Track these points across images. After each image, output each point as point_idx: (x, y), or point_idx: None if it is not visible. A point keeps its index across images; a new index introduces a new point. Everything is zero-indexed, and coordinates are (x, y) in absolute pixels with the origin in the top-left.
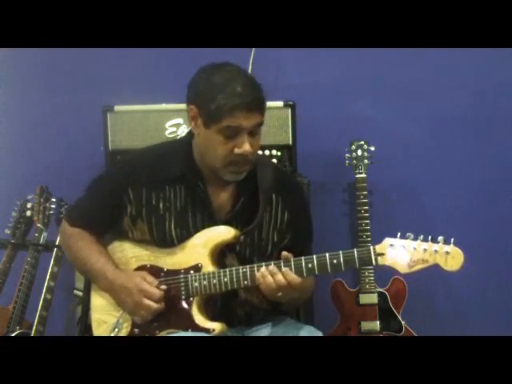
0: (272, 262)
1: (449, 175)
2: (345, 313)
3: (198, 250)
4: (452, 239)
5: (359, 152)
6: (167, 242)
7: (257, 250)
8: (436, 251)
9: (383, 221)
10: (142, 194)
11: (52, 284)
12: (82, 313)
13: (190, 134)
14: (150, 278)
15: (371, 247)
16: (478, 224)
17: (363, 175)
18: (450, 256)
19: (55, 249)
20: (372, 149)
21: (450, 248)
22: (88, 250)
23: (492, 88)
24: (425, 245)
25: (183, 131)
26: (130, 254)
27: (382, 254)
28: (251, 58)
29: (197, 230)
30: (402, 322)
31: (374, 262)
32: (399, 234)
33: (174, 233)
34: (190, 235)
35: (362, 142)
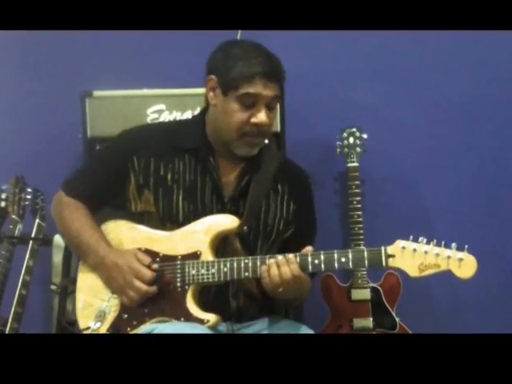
0: (276, 256)
1: (446, 164)
2: (336, 309)
3: (199, 236)
4: (466, 246)
5: (351, 140)
6: (172, 214)
7: (261, 234)
8: (449, 257)
9: (376, 212)
10: (150, 163)
11: (27, 279)
12: (60, 305)
13: (202, 113)
14: (141, 255)
15: (382, 248)
16: (476, 215)
17: (355, 164)
18: (463, 263)
19: (31, 241)
20: (364, 136)
21: (464, 255)
22: (83, 223)
23: (490, 74)
24: (437, 249)
25: (165, 118)
26: (125, 235)
27: (392, 256)
28: None
29: (204, 205)
30: (396, 319)
31: (384, 263)
32: (411, 237)
33: (181, 205)
34: (196, 209)
35: (354, 129)
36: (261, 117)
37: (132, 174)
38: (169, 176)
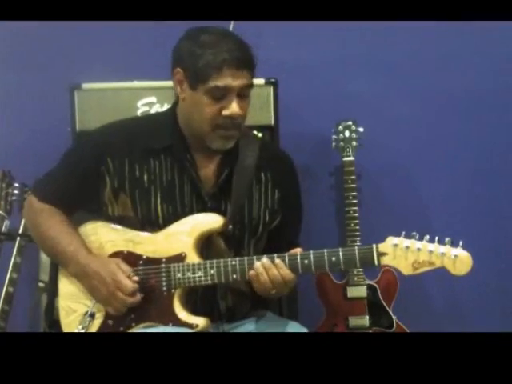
0: (265, 256)
1: (443, 157)
2: (331, 307)
3: (182, 238)
4: (460, 242)
5: (347, 133)
6: (152, 218)
7: (247, 229)
8: (443, 254)
9: (373, 208)
10: (125, 164)
11: (15, 276)
12: (48, 303)
13: (174, 106)
14: (124, 266)
15: (374, 246)
16: (473, 209)
17: (351, 158)
18: (458, 260)
19: (18, 238)
20: (360, 130)
21: (459, 251)
22: (59, 230)
23: (489, 66)
24: (431, 246)
25: (156, 110)
26: (105, 238)
27: (385, 254)
28: None
29: (184, 206)
30: (393, 317)
31: (376, 261)
32: (403, 233)
33: (159, 208)
34: (176, 211)
35: (350, 123)
36: (233, 108)
37: (107, 177)
38: (145, 177)
